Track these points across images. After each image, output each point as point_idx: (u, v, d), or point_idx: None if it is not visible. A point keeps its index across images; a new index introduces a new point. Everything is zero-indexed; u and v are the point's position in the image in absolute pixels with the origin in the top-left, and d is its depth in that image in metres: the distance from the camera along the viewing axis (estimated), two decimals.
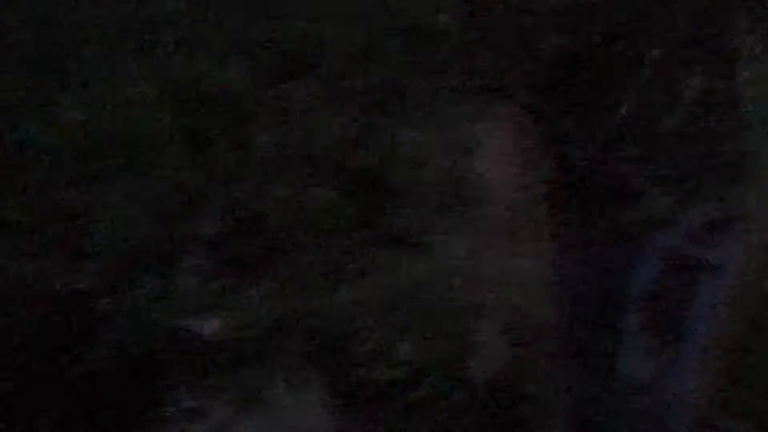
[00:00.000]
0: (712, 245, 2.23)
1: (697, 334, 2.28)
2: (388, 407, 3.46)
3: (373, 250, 4.18)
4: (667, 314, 2.23)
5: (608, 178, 2.21)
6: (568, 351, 2.43)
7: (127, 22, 5.55)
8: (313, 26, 5.38)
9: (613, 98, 2.14)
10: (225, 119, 4.80)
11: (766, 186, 2.63)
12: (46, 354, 3.63)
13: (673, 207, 2.20)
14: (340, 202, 4.44)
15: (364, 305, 3.84)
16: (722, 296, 2.29)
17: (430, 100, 5.08)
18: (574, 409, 2.41)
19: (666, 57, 2.12)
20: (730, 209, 2.24)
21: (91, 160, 4.60)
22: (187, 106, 4.76)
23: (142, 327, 3.68)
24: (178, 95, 4.82)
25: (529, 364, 2.35)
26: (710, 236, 2.23)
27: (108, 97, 4.95)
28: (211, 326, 3.75)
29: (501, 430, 3.26)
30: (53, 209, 4.32)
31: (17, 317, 3.77)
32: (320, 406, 3.48)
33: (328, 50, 5.25)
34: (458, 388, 3.45)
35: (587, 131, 2.18)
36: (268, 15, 5.33)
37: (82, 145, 4.68)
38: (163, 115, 4.69)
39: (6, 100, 4.90)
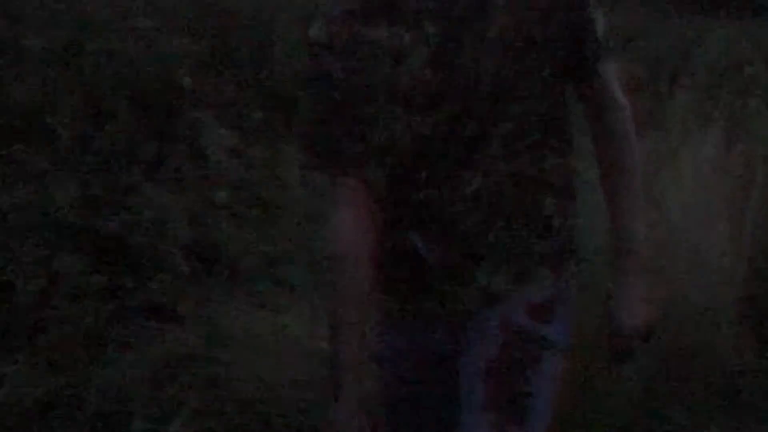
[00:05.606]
0: (546, 320, 2.27)
1: (537, 408, 2.29)
2: None
3: (132, 320, 4.00)
4: (508, 388, 2.24)
5: (446, 255, 2.21)
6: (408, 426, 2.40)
7: None
8: (43, 90, 5.15)
9: (459, 177, 2.16)
10: None
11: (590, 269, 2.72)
12: None
13: (509, 283, 2.23)
14: (89, 269, 4.23)
15: (132, 379, 3.66)
16: (557, 369, 2.32)
17: (174, 162, 4.97)
18: None
19: (509, 135, 2.15)
20: (561, 287, 2.28)
21: None
22: None
23: None
24: None
25: None
26: (545, 312, 2.26)
27: None
28: None
29: None
30: None
31: None
32: None
33: (59, 114, 5.03)
34: None
35: (432, 210, 2.18)
36: None
37: None
38: None
39: None
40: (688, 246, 3.81)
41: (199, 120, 5.22)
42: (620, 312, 2.29)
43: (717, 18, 8.07)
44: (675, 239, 3.79)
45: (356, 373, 2.19)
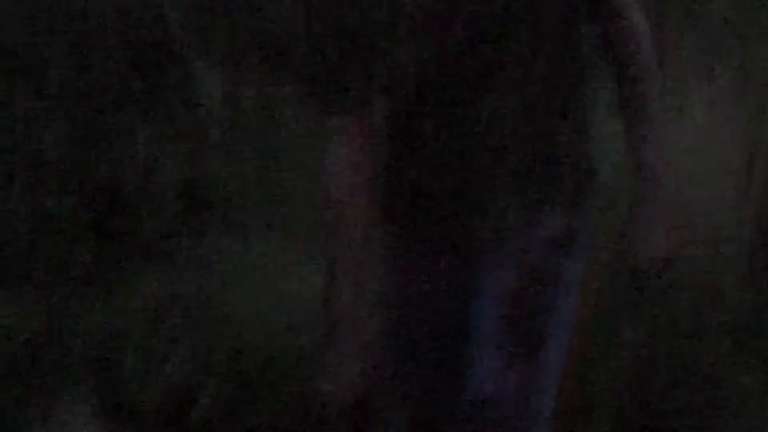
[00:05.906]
0: (561, 256, 2.20)
1: (552, 345, 2.24)
2: (164, 428, 3.24)
3: (124, 261, 3.92)
4: (523, 325, 2.18)
5: (458, 187, 2.12)
6: (414, 366, 2.32)
7: None
8: (30, 29, 5.03)
9: (472, 105, 2.06)
10: None
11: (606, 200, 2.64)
12: None
13: (523, 217, 2.15)
14: (78, 210, 4.14)
15: (125, 319, 3.59)
16: (572, 307, 2.26)
17: (166, 102, 4.87)
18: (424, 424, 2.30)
19: (521, 62, 2.06)
20: (576, 222, 2.22)
21: None
22: None
23: None
24: None
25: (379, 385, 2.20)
26: (560, 247, 2.20)
27: None
28: None
29: None
30: None
31: None
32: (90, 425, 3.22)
33: (41, 50, 4.92)
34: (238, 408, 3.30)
35: (443, 141, 2.09)
36: None
37: None
38: None
39: None
40: (697, 194, 3.75)
41: (191, 59, 5.12)
42: (639, 239, 2.24)
43: None
44: (684, 186, 3.73)
45: (354, 317, 2.10)
